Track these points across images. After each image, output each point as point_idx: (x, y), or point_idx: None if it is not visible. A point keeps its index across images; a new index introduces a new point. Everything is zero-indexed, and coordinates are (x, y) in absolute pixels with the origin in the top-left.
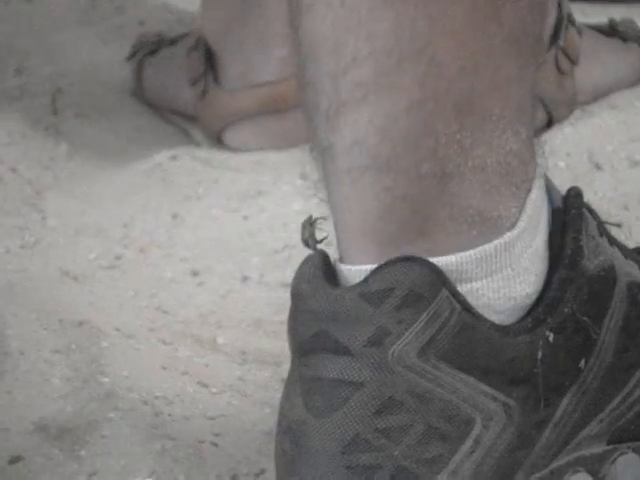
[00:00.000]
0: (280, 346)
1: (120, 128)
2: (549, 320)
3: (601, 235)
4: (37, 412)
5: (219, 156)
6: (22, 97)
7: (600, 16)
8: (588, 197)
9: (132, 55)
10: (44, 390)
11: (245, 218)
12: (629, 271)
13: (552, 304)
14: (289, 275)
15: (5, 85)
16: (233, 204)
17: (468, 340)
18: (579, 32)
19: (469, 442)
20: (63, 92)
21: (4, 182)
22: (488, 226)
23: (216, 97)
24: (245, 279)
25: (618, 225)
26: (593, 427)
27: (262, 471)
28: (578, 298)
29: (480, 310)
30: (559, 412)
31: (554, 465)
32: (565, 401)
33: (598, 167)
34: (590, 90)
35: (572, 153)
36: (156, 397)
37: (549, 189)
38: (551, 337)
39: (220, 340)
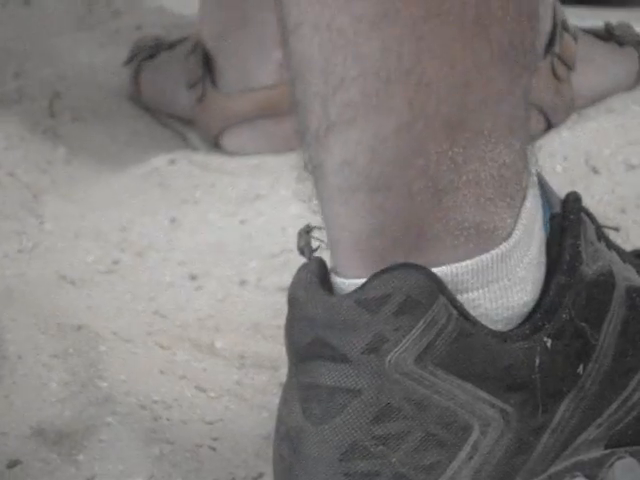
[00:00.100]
0: (278, 350)
1: (118, 132)
2: (547, 326)
3: (599, 239)
4: (35, 416)
5: (217, 160)
6: (20, 100)
7: (596, 20)
8: (585, 201)
9: (130, 59)
10: (42, 394)
11: (243, 222)
12: (628, 276)
13: (550, 310)
14: (287, 279)
15: (3, 88)
16: (231, 208)
17: (465, 347)
18: (575, 38)
19: (467, 448)
20: (61, 96)
21: (2, 186)
22: (484, 238)
23: (214, 101)
24: (243, 283)
25: (616, 229)
26: (591, 432)
27: (260, 475)
28: (576, 304)
29: None
30: (557, 418)
31: (552, 470)
32: (563, 407)
33: (595, 171)
34: (588, 95)
35: (569, 157)
36: (154, 401)
37: (547, 193)
38: (549, 343)
39: (218, 344)
